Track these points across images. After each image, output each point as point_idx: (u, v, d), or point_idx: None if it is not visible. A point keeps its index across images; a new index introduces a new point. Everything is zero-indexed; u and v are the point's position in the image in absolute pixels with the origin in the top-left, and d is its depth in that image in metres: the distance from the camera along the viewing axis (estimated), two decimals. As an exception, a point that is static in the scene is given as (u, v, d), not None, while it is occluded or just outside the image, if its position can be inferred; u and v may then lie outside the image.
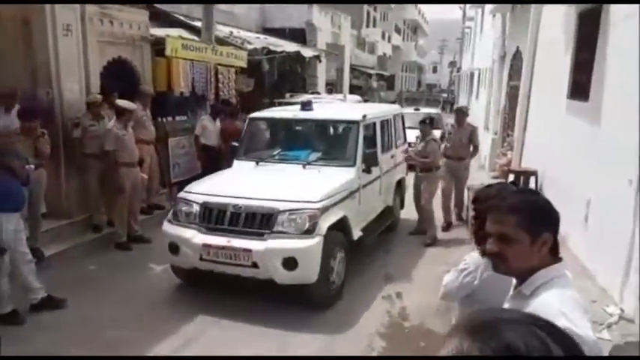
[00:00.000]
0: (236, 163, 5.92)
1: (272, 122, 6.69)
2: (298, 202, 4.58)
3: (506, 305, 1.61)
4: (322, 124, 6.59)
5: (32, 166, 4.88)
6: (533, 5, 8.07)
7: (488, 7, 15.46)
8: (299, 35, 16.04)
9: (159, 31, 8.64)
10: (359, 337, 4.35)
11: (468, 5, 25.59)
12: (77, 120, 6.45)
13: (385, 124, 6.65)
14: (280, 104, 12.52)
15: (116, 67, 7.42)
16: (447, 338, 0.73)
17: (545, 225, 1.52)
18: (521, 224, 1.50)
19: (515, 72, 10.91)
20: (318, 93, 14.20)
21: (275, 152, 5.99)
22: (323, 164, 5.47)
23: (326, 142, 6.39)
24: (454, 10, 32.42)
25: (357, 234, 5.33)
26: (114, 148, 6.11)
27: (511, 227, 1.50)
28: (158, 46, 8.21)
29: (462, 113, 7.64)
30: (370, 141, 6.04)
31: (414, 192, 7.25)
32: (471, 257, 2.27)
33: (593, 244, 4.89)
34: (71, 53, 6.46)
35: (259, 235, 4.51)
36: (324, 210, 4.62)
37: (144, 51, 7.86)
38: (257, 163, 5.74)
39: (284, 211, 4.50)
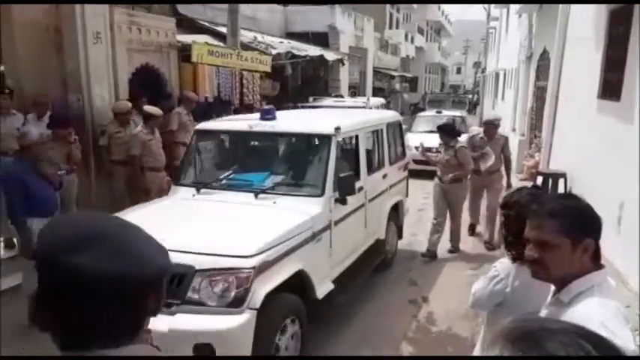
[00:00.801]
0: (173, 189, 4.63)
1: (223, 136, 5.25)
2: (223, 256, 3.15)
3: (543, 312, 1.58)
4: (285, 140, 5.15)
5: (64, 172, 5.02)
6: (561, 5, 7.93)
7: (514, 7, 15.24)
8: (322, 39, 16.08)
9: (185, 38, 8.79)
10: (387, 342, 4.31)
11: (492, 5, 25.27)
12: (103, 128, 6.57)
13: (374, 136, 5.45)
14: (304, 108, 12.62)
15: (144, 73, 7.58)
16: (489, 346, 0.72)
17: (587, 230, 1.49)
18: (561, 230, 1.47)
19: (542, 72, 10.73)
20: (342, 96, 14.19)
21: (222, 176, 4.57)
22: (282, 193, 4.14)
23: (289, 162, 4.93)
24: (478, 11, 32.08)
25: (324, 289, 3.94)
26: (140, 153, 6.19)
27: (551, 233, 1.48)
28: (184, 52, 8.35)
29: (493, 127, 6.75)
30: (348, 161, 4.87)
31: (434, 206, 6.41)
32: (502, 264, 2.21)
33: (627, 248, 4.76)
34: (101, 60, 6.63)
35: (166, 307, 3.01)
36: (264, 267, 3.21)
37: (170, 57, 8.01)
38: (198, 190, 4.33)
39: (201, 272, 3.09)
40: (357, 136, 4.91)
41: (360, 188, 4.69)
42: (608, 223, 5.00)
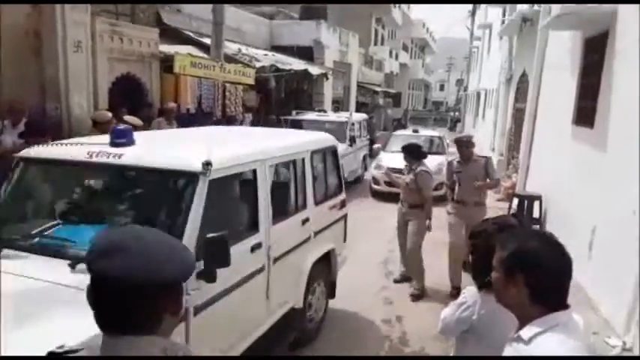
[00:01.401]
0: None
1: (51, 168, 3.44)
2: None
3: (506, 349, 1.59)
4: (133, 177, 3.32)
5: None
6: (539, 29, 8.12)
7: (496, 28, 15.56)
8: (307, 53, 16.18)
9: (168, 48, 8.76)
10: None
11: (476, 25, 25.76)
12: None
13: (289, 169, 4.10)
14: (286, 121, 12.64)
15: (125, 83, 7.53)
16: None
17: (519, 267, 1.52)
18: (498, 261, 1.58)
19: (521, 94, 10.94)
20: (324, 111, 14.26)
21: (38, 230, 3.04)
22: None
23: (136, 211, 3.20)
24: (462, 29, 32.66)
25: None
26: None
27: (494, 262, 1.59)
28: (167, 63, 8.32)
29: (463, 145, 5.68)
30: (238, 207, 3.57)
31: (398, 232, 6.02)
32: (469, 291, 2.23)
33: (598, 274, 4.84)
34: (80, 69, 6.56)
35: None
36: None
37: (153, 67, 7.97)
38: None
39: None
40: (254, 171, 3.45)
41: (258, 245, 3.38)
42: (581, 247, 5.11)
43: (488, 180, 5.60)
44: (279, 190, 3.79)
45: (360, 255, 6.35)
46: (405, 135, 12.60)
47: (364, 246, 6.92)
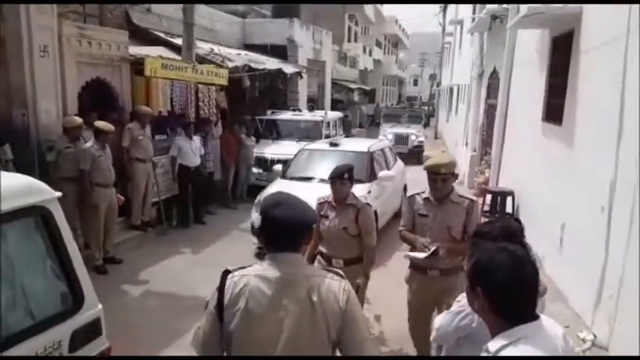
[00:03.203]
0: None
1: None
2: None
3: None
4: None
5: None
6: (509, 27, 8.26)
7: (467, 25, 15.75)
8: (280, 51, 16.09)
9: (138, 50, 8.60)
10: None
11: (447, 21, 26.03)
12: (51, 144, 6.36)
13: None
14: (261, 122, 12.58)
15: (94, 87, 7.37)
16: None
17: (476, 279, 1.59)
18: (467, 272, 1.67)
19: (492, 90, 11.11)
20: (300, 109, 14.24)
21: None
22: None
23: None
24: (434, 24, 32.95)
25: None
26: (89, 167, 6.13)
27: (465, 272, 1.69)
28: (138, 66, 8.16)
29: (440, 176, 3.43)
30: None
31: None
32: (465, 299, 2.26)
33: (568, 268, 4.98)
34: (48, 74, 6.39)
35: None
36: None
37: (123, 71, 7.81)
38: None
39: None
40: None
41: None
42: (552, 242, 5.24)
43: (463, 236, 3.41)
44: None
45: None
46: (318, 150, 8.20)
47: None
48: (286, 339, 1.75)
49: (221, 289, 1.82)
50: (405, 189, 8.80)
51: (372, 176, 7.35)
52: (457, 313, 2.23)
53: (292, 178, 7.51)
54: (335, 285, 1.82)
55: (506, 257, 1.55)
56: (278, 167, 8.58)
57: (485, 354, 1.58)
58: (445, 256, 3.40)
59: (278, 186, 6.91)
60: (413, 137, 17.54)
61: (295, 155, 7.06)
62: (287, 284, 1.78)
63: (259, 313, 1.76)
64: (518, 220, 2.39)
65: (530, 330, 1.53)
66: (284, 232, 1.81)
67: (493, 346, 1.54)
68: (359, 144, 8.73)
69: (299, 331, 1.75)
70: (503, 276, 1.52)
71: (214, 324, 1.83)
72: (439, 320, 2.32)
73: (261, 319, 1.76)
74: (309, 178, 7.31)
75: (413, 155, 16.43)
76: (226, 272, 1.86)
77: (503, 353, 1.50)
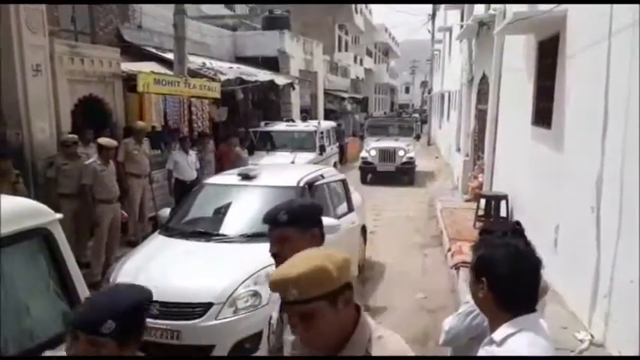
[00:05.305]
0: None
1: None
2: None
3: (480, 352, 1.69)
4: None
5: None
6: (495, 33, 8.38)
7: (455, 32, 15.93)
8: (272, 63, 16.21)
9: (130, 66, 8.66)
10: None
11: (436, 28, 26.28)
12: (51, 159, 6.41)
13: None
14: (255, 134, 12.64)
15: (87, 105, 7.42)
16: None
17: (482, 273, 1.69)
18: (471, 266, 1.75)
19: (482, 95, 11.21)
20: (293, 120, 14.31)
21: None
22: None
23: None
24: (424, 32, 33.25)
25: None
26: (91, 182, 6.15)
27: (470, 266, 1.78)
28: (130, 82, 8.22)
29: (289, 308, 1.48)
30: None
31: None
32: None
33: (563, 270, 5.02)
34: (41, 93, 6.45)
35: None
36: None
37: (115, 87, 7.88)
38: None
39: None
40: None
41: None
42: (546, 245, 5.29)
43: None
44: None
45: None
46: (222, 186, 5.70)
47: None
48: None
49: None
50: (363, 231, 6.79)
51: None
52: (468, 313, 2.24)
53: (176, 234, 5.01)
54: None
55: (510, 250, 1.66)
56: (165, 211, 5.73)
57: (487, 346, 1.64)
58: None
59: (145, 250, 4.82)
60: (401, 152, 14.20)
61: (191, 194, 5.44)
62: None
63: None
64: (518, 223, 2.44)
65: (531, 320, 1.62)
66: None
67: (498, 335, 1.60)
68: (286, 174, 6.16)
69: None
70: (506, 267, 1.62)
71: None
72: (448, 323, 2.32)
73: None
74: (203, 234, 4.92)
75: (401, 173, 14.30)
76: None
77: (508, 342, 1.56)
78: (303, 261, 1.43)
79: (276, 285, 1.45)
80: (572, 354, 3.85)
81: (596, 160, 4.31)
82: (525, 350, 1.51)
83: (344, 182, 6.45)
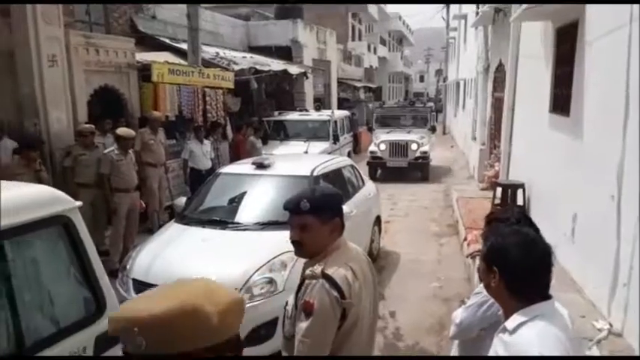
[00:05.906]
0: None
1: None
2: None
3: (494, 340, 1.67)
4: None
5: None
6: (512, 20, 8.23)
7: (470, 19, 15.70)
8: (285, 52, 16.17)
9: (145, 56, 8.71)
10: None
11: (451, 16, 25.94)
12: (69, 149, 6.50)
13: None
14: (269, 123, 12.65)
15: (103, 95, 7.49)
16: None
17: (494, 263, 1.67)
18: (482, 255, 1.74)
19: (499, 84, 11.07)
20: (307, 110, 14.28)
21: None
22: None
23: None
24: (438, 20, 32.86)
25: None
26: (108, 172, 6.21)
27: (481, 255, 1.76)
28: (145, 72, 8.27)
29: None
30: None
31: None
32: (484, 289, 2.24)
33: (581, 258, 4.96)
34: (57, 84, 6.51)
35: None
36: None
37: (130, 77, 7.93)
38: None
39: None
40: None
41: None
42: (564, 233, 5.23)
43: None
44: None
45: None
46: (236, 176, 5.76)
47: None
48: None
49: None
50: (378, 221, 6.86)
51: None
52: (481, 304, 2.21)
53: (192, 222, 5.07)
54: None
55: (521, 238, 1.65)
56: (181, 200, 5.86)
57: (501, 334, 1.63)
58: None
59: (162, 238, 4.85)
60: (414, 146, 12.86)
61: (206, 183, 5.45)
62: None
63: None
64: (520, 208, 2.45)
65: (545, 308, 1.59)
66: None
67: (510, 324, 1.59)
68: (299, 164, 6.24)
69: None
70: (517, 255, 1.61)
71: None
72: (459, 315, 2.29)
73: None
74: (219, 222, 4.95)
75: (415, 169, 13.02)
76: None
77: (521, 330, 1.54)
78: (166, 296, 0.94)
79: (115, 326, 0.94)
80: (590, 343, 3.81)
81: (617, 148, 4.22)
82: (535, 340, 1.49)
83: (353, 166, 6.78)
